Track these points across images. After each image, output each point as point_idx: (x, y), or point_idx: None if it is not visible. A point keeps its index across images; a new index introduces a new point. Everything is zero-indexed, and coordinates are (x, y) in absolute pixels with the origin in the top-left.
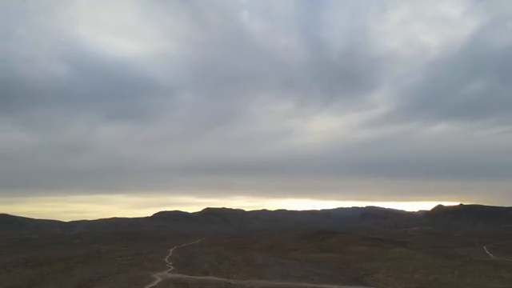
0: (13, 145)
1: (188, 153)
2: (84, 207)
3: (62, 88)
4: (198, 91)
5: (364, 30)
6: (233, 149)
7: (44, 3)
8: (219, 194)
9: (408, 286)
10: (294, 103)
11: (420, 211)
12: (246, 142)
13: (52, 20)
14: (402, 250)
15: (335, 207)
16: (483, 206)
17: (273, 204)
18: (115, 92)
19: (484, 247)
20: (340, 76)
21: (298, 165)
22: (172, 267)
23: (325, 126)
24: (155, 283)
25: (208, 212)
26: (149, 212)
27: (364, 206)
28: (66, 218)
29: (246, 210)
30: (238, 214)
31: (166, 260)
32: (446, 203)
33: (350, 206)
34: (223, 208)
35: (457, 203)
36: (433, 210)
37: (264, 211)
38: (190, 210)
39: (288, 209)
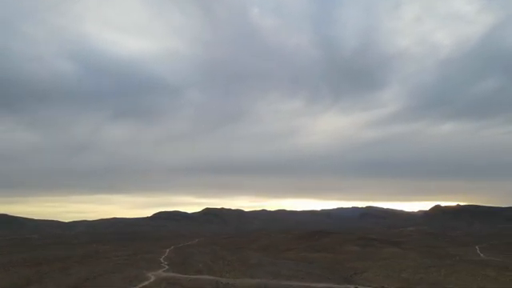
0: (16, 144)
1: (192, 153)
2: (84, 207)
3: (68, 87)
4: (205, 90)
5: (376, 27)
6: (237, 148)
7: (51, 0)
8: (221, 194)
9: (394, 284)
10: (301, 102)
11: (419, 211)
12: (251, 142)
13: (59, 17)
14: (394, 250)
15: (335, 207)
16: (480, 206)
17: (275, 204)
18: (122, 91)
19: (476, 247)
20: (349, 74)
21: (302, 165)
22: (167, 266)
23: (331, 126)
24: (148, 282)
25: (207, 212)
26: (150, 212)
27: (364, 206)
28: (67, 218)
29: (246, 210)
30: (237, 214)
31: (161, 260)
32: (444, 203)
33: (350, 206)
34: (222, 208)
35: (454, 203)
36: (430, 210)
37: (263, 211)
38: (191, 210)
39: (288, 209)
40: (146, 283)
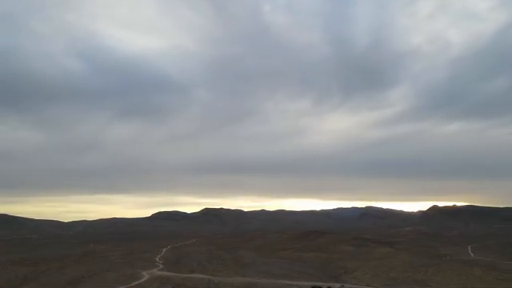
0: (19, 144)
1: (196, 152)
2: (85, 207)
3: (75, 85)
4: (212, 89)
5: (389, 24)
6: (241, 148)
7: None
8: (223, 194)
9: (381, 282)
10: (310, 102)
11: (419, 211)
12: (255, 142)
13: (69, 14)
14: (387, 250)
15: (335, 207)
16: (477, 207)
17: (277, 204)
18: (129, 89)
19: (469, 247)
20: (360, 73)
21: (305, 165)
22: (162, 266)
23: (338, 125)
24: (142, 280)
25: (207, 212)
26: (150, 212)
27: (364, 206)
28: (67, 218)
29: (245, 210)
30: (237, 214)
31: (157, 259)
32: (445, 203)
33: (350, 206)
34: (221, 208)
35: (451, 203)
36: (428, 210)
37: (263, 211)
38: (193, 210)
39: (288, 209)
40: (139, 281)
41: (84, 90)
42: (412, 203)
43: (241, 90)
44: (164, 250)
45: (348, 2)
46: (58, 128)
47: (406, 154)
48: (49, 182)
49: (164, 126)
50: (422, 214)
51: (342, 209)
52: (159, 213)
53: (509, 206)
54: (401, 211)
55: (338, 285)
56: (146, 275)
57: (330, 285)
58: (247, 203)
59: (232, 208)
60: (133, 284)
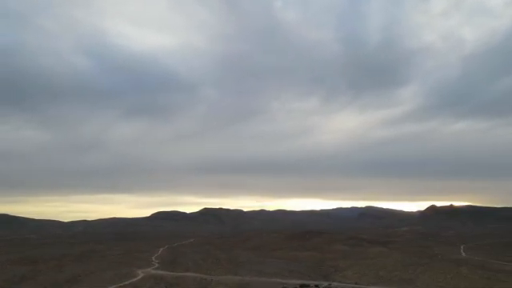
0: (23, 143)
1: (200, 152)
2: (86, 207)
3: (82, 83)
4: (220, 87)
5: (402, 21)
6: (246, 148)
7: None
8: (224, 193)
9: (369, 281)
10: (318, 100)
11: (418, 211)
12: (261, 141)
13: (77, 11)
14: (381, 250)
15: (335, 207)
16: (474, 207)
17: (279, 204)
18: (136, 88)
19: (462, 247)
20: (371, 71)
21: (308, 164)
22: (157, 265)
23: (345, 124)
24: (137, 279)
25: (206, 212)
26: (151, 212)
27: (364, 206)
28: (67, 218)
29: (245, 210)
30: (236, 214)
31: (153, 258)
32: (443, 203)
33: (350, 206)
34: (220, 208)
35: (448, 203)
36: (426, 210)
37: (262, 211)
38: (194, 209)
39: (288, 209)
40: (133, 280)
41: (90, 89)
42: (413, 203)
43: (248, 89)
44: (161, 249)
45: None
46: (63, 127)
47: (410, 154)
48: (50, 182)
49: (169, 126)
50: (420, 214)
51: (341, 209)
52: (158, 213)
53: (506, 206)
54: (400, 211)
55: (326, 283)
56: (140, 274)
57: (317, 283)
58: (249, 203)
59: (231, 208)
60: (127, 282)
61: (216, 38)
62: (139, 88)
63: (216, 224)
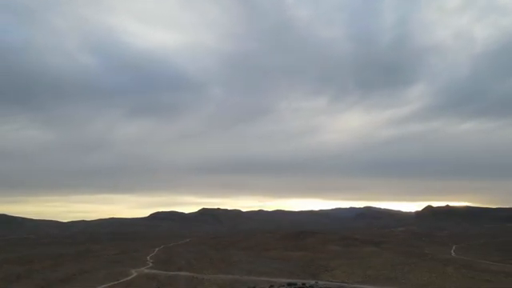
0: (27, 143)
1: (204, 152)
2: (87, 207)
3: (89, 82)
4: (228, 86)
5: (415, 19)
6: (251, 148)
7: None
8: (226, 193)
9: (356, 279)
10: (325, 100)
11: (416, 212)
12: (266, 141)
13: (86, 8)
14: (373, 250)
15: (333, 207)
16: (470, 207)
17: (279, 204)
18: (143, 87)
19: (454, 246)
20: (380, 70)
21: (311, 164)
22: (151, 264)
23: (351, 124)
24: (130, 277)
25: (204, 212)
26: (150, 212)
27: (362, 206)
28: (67, 218)
29: (244, 210)
30: (234, 214)
31: (148, 258)
32: (441, 203)
33: (349, 206)
34: (218, 208)
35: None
36: (422, 210)
37: (261, 211)
38: (192, 210)
39: (287, 209)
40: (127, 278)
41: (96, 88)
42: (413, 203)
43: (256, 88)
44: (157, 249)
45: None
46: (67, 127)
47: (412, 154)
48: (51, 182)
49: (174, 125)
50: (416, 214)
51: (340, 209)
52: (157, 213)
53: (502, 206)
54: (398, 211)
55: (313, 281)
56: (134, 273)
57: (304, 281)
58: (249, 203)
59: (230, 208)
60: (121, 281)
61: (226, 36)
62: (145, 87)
63: (213, 224)
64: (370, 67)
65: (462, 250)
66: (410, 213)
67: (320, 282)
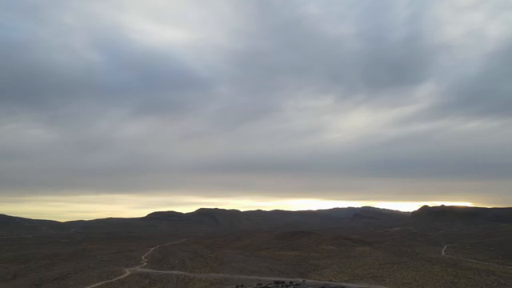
0: (29, 143)
1: (207, 152)
2: (86, 207)
3: (94, 80)
4: (236, 85)
5: (427, 16)
6: (253, 148)
7: None
8: (225, 193)
9: (343, 278)
10: (333, 99)
11: (413, 212)
12: (271, 141)
13: (94, 4)
14: (365, 249)
15: (332, 207)
16: (466, 207)
17: (279, 204)
18: (149, 85)
19: (445, 246)
20: (390, 68)
21: (314, 164)
22: (145, 263)
23: (356, 123)
24: (123, 276)
25: (201, 212)
26: (148, 212)
27: (360, 206)
28: (65, 218)
29: (242, 210)
30: (232, 214)
31: (142, 257)
32: (441, 203)
33: (347, 206)
34: (216, 208)
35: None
36: (418, 210)
37: (258, 211)
38: (190, 210)
39: (285, 209)
40: (120, 277)
41: (102, 86)
42: (410, 203)
43: (264, 87)
44: (152, 249)
45: None
46: (71, 126)
47: (414, 154)
48: (52, 182)
49: (178, 125)
50: (413, 214)
51: (338, 209)
52: (154, 213)
53: (498, 206)
54: (396, 211)
55: (301, 280)
56: (127, 272)
57: (292, 280)
58: (249, 203)
59: (228, 208)
60: (114, 279)
61: (236, 33)
62: (152, 85)
63: (211, 224)
64: (380, 65)
65: (453, 249)
66: (408, 213)
67: (307, 281)
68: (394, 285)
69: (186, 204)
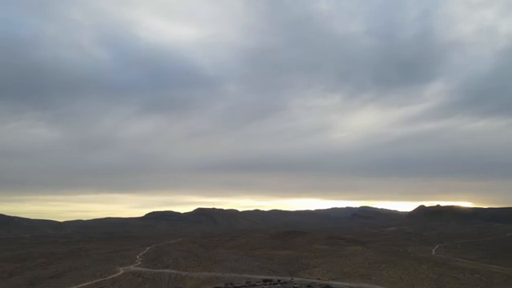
0: (31, 142)
1: (211, 151)
2: (85, 207)
3: (100, 78)
4: (243, 83)
5: (439, 13)
6: (258, 147)
7: None
8: (226, 193)
9: (331, 276)
10: (341, 98)
11: (409, 212)
12: (277, 140)
13: (102, 0)
14: (357, 248)
15: (330, 207)
16: (462, 207)
17: (276, 204)
18: (157, 83)
19: (437, 246)
20: (399, 66)
21: (317, 164)
22: (140, 262)
23: (363, 122)
24: (117, 275)
25: (199, 212)
26: (146, 212)
27: (358, 205)
28: (64, 217)
29: (240, 210)
30: (229, 214)
31: (137, 256)
32: (441, 203)
33: (346, 206)
34: (213, 208)
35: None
36: (414, 210)
37: (256, 211)
38: (188, 209)
39: (283, 209)
40: (113, 276)
41: (107, 84)
42: (408, 203)
43: (272, 85)
44: (148, 248)
45: None
46: (74, 125)
47: (418, 154)
48: (52, 182)
49: (184, 124)
50: (409, 214)
51: (336, 209)
52: (152, 212)
53: (494, 206)
54: (394, 211)
55: (289, 278)
56: (121, 270)
57: (280, 278)
58: (247, 203)
59: (226, 208)
60: (107, 278)
61: (246, 30)
62: (159, 83)
63: (208, 224)
64: (390, 63)
65: (444, 249)
66: (404, 213)
67: (295, 279)
68: (379, 283)
69: (185, 204)
